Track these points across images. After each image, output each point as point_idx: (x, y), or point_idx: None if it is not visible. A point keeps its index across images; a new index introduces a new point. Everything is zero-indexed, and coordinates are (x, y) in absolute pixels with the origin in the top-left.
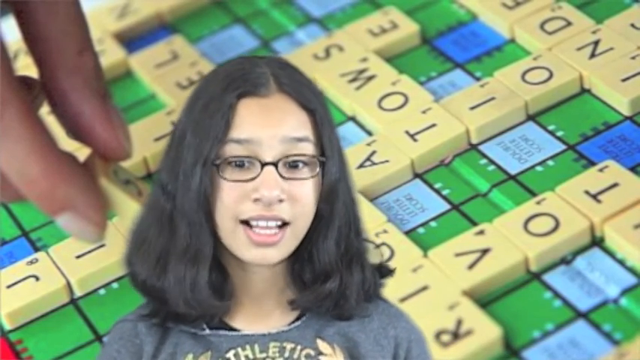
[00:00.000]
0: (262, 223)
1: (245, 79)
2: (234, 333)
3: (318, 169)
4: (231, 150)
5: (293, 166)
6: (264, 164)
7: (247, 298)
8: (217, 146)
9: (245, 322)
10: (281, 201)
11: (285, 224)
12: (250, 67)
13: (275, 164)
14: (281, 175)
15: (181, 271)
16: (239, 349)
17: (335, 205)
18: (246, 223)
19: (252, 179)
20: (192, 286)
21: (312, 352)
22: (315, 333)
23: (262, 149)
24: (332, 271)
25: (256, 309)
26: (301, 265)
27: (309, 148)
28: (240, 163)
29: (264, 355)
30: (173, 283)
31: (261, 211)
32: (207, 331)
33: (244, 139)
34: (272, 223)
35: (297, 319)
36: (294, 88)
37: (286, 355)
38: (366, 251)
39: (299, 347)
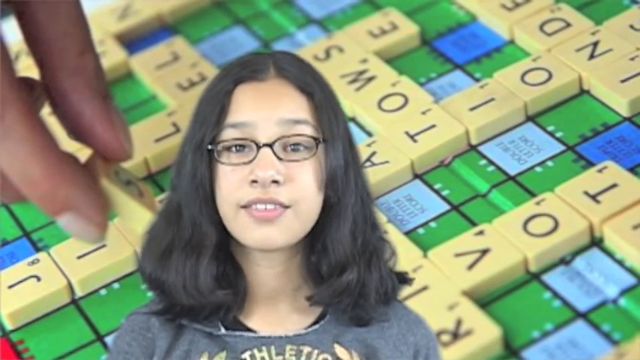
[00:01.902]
0: (261, 207)
1: (243, 66)
2: (250, 334)
3: (315, 150)
4: (228, 134)
5: (294, 149)
6: (260, 146)
7: (263, 297)
8: (212, 132)
9: (262, 323)
10: (277, 182)
11: (285, 208)
12: (253, 56)
13: (271, 145)
14: (277, 157)
15: (182, 260)
16: (255, 351)
17: (344, 193)
18: (246, 207)
19: (250, 162)
20: (193, 276)
21: (330, 357)
22: (332, 338)
23: (258, 131)
24: (348, 263)
25: (272, 309)
26: (317, 257)
27: (307, 131)
28: (238, 148)
29: (280, 357)
30: (174, 274)
31: (259, 194)
32: (223, 331)
33: (240, 122)
34: (270, 206)
35: (315, 322)
36: (294, 72)
37: (303, 358)
38: (384, 249)
39: (316, 351)
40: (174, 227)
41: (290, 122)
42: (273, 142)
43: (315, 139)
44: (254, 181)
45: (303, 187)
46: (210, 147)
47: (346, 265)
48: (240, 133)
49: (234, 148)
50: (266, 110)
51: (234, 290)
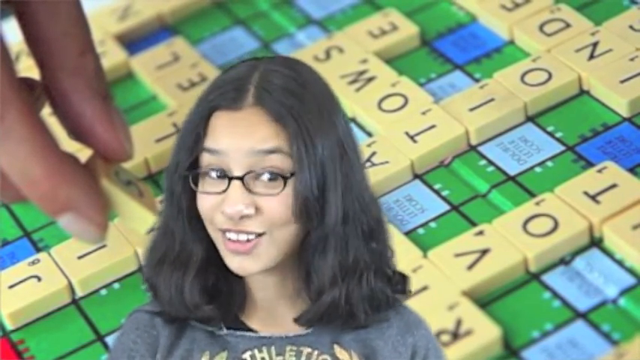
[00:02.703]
0: (233, 236)
1: (222, 91)
2: (251, 334)
3: (283, 186)
4: (206, 160)
5: (270, 179)
6: (230, 178)
7: (262, 300)
8: (188, 159)
9: (262, 323)
10: (248, 216)
11: (258, 235)
12: (238, 75)
13: (241, 178)
14: (248, 189)
15: (169, 274)
16: (255, 351)
17: (320, 221)
18: (222, 233)
19: (222, 192)
20: (179, 291)
21: (329, 358)
22: (332, 338)
23: (230, 161)
24: (328, 286)
25: (272, 311)
26: (305, 274)
27: (279, 160)
28: (218, 174)
29: (280, 358)
30: (163, 287)
31: (229, 225)
32: (225, 331)
33: (215, 149)
34: (242, 237)
35: None
36: (272, 100)
37: (303, 359)
38: (379, 261)
39: (316, 352)
40: (168, 238)
41: (261, 153)
42: (244, 175)
43: (283, 176)
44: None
45: (273, 218)
46: (186, 173)
47: (325, 289)
48: (216, 161)
49: (212, 173)
50: (238, 140)
51: (228, 297)
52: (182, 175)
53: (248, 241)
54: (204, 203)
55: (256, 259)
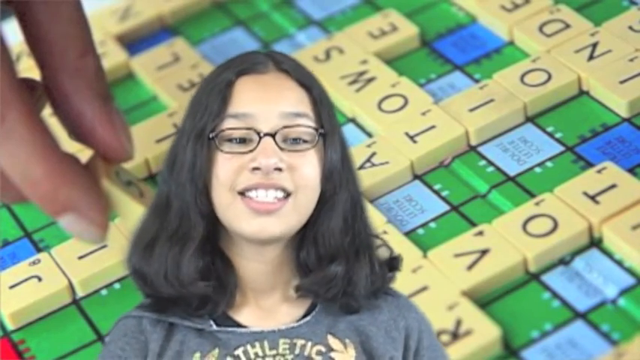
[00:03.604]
0: (262, 193)
1: (243, 60)
2: (242, 329)
3: (316, 141)
4: (229, 124)
5: (294, 142)
6: (262, 135)
7: (253, 292)
8: (214, 121)
9: (252, 317)
10: (280, 170)
11: (285, 196)
12: (250, 53)
13: (273, 135)
14: (279, 147)
15: (166, 249)
16: (248, 347)
17: (338, 186)
18: (244, 195)
19: (251, 151)
20: (175, 265)
21: (323, 349)
22: (325, 329)
23: (259, 122)
24: (337, 253)
25: (263, 303)
26: (307, 251)
27: (308, 123)
28: (238, 140)
29: (274, 352)
30: (157, 262)
31: (259, 180)
32: (215, 328)
33: (241, 113)
34: (271, 193)
35: (307, 314)
36: (292, 66)
37: (297, 351)
38: (373, 245)
39: (310, 343)
40: (161, 217)
41: (291, 115)
42: (275, 133)
43: (316, 130)
44: (255, 169)
45: (305, 177)
46: (211, 135)
47: (335, 256)
48: (242, 124)
49: (234, 140)
50: (267, 103)
51: (220, 284)
52: (207, 139)
53: (274, 202)
54: (229, 165)
55: (279, 220)
